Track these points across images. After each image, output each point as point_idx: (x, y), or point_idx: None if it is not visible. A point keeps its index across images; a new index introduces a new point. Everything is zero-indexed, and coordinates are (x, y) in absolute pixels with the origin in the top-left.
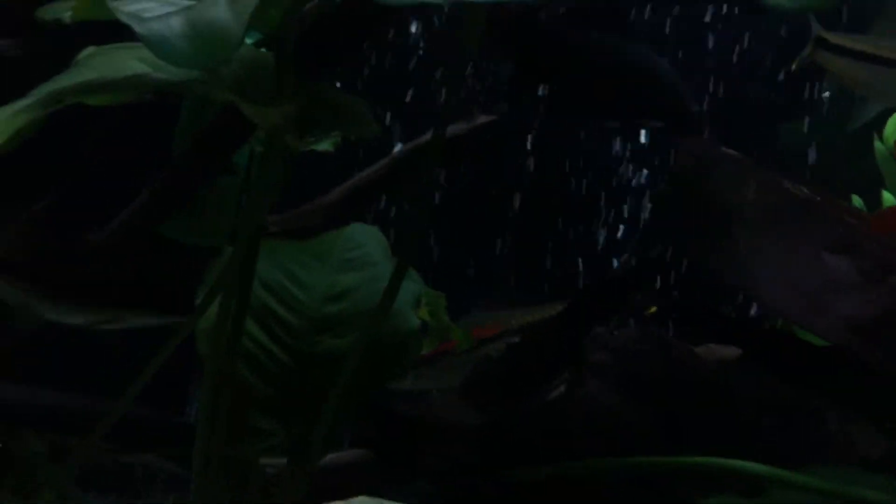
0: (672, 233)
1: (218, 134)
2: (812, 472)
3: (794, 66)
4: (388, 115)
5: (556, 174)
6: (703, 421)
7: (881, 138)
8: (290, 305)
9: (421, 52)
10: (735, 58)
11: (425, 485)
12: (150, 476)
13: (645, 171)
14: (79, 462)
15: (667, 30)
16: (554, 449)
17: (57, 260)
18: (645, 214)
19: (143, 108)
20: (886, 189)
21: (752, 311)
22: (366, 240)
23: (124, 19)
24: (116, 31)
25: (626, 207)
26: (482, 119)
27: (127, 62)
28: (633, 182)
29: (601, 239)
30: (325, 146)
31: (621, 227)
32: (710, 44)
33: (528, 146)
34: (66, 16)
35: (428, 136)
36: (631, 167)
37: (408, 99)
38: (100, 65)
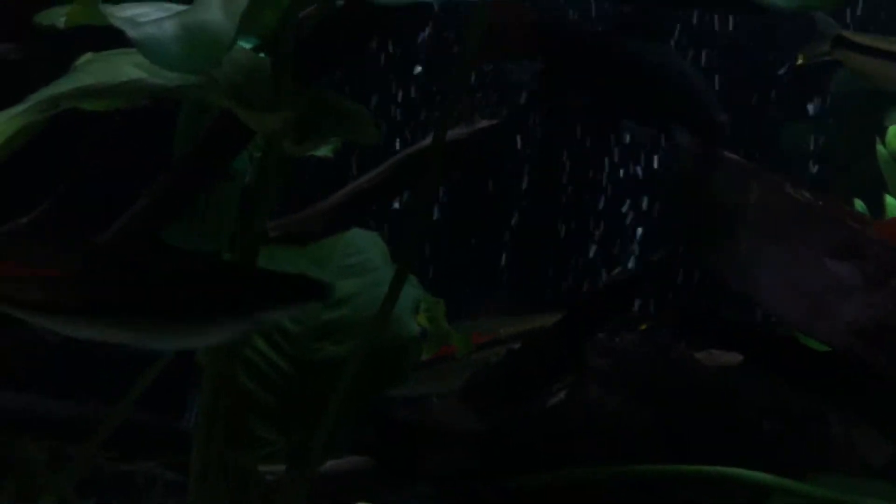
0: (674, 237)
1: (216, 139)
2: (815, 481)
3: (800, 62)
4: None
5: (555, 179)
6: (705, 426)
7: (883, 142)
8: None
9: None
10: (735, 59)
11: (426, 490)
12: (149, 483)
13: (648, 175)
14: (79, 469)
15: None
16: (555, 454)
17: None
18: (648, 218)
19: (141, 113)
20: (889, 193)
21: (758, 316)
22: (366, 245)
23: (118, 24)
24: (117, 36)
25: (628, 211)
26: (483, 123)
27: (124, 68)
28: (636, 185)
29: (599, 245)
30: (323, 152)
31: (623, 230)
32: (710, 45)
33: (527, 150)
34: (61, 21)
35: (428, 140)
36: (634, 170)
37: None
38: (97, 70)
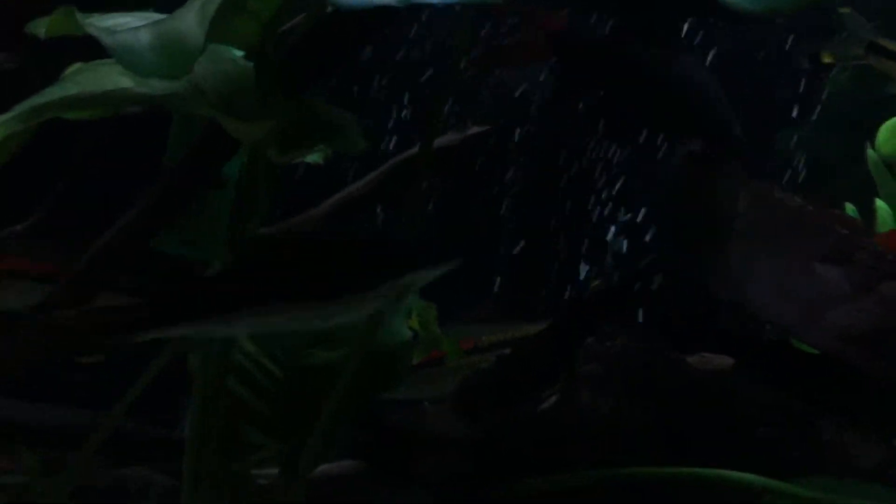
0: (665, 243)
1: (207, 146)
2: (807, 483)
3: (827, 60)
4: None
5: (550, 184)
6: (697, 430)
7: (873, 146)
8: None
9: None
10: (731, 63)
11: (419, 495)
12: (142, 489)
13: (638, 183)
14: (73, 476)
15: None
16: (547, 459)
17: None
18: (642, 227)
19: (133, 121)
20: (879, 197)
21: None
22: None
23: (94, 33)
24: None
25: (619, 217)
26: (474, 130)
27: (111, 77)
28: (626, 192)
29: (593, 253)
30: (314, 159)
31: (614, 235)
32: (707, 49)
33: (522, 156)
34: (41, 32)
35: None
36: (623, 178)
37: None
38: (84, 80)
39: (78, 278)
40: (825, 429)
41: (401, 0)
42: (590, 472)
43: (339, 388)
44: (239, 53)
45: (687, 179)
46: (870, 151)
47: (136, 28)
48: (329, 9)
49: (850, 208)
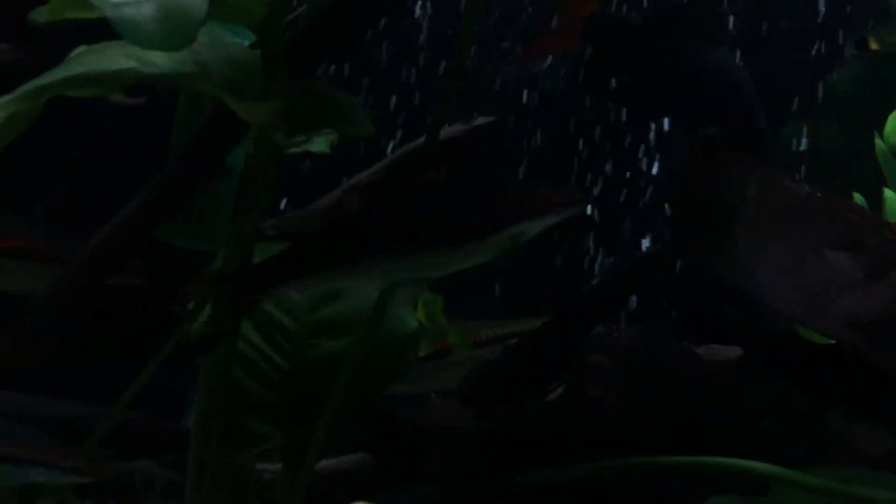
0: (673, 232)
1: (212, 131)
2: (815, 472)
3: (874, 47)
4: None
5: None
6: (705, 421)
7: (882, 136)
8: (286, 308)
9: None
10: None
11: (425, 490)
12: (148, 483)
13: (648, 171)
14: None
15: None
16: (554, 451)
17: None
18: (652, 218)
19: (137, 111)
20: (888, 186)
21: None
22: None
23: (98, 5)
24: (114, 35)
25: (631, 210)
26: (480, 121)
27: (116, 59)
28: (640, 183)
29: (601, 246)
30: (319, 147)
31: (625, 231)
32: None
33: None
34: (43, 17)
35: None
36: (633, 166)
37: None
38: (88, 61)
39: (90, 262)
40: (833, 418)
41: None
42: (597, 462)
43: (345, 379)
44: (246, 32)
45: (693, 164)
46: (878, 141)
47: (140, 2)
48: None
49: (858, 198)
